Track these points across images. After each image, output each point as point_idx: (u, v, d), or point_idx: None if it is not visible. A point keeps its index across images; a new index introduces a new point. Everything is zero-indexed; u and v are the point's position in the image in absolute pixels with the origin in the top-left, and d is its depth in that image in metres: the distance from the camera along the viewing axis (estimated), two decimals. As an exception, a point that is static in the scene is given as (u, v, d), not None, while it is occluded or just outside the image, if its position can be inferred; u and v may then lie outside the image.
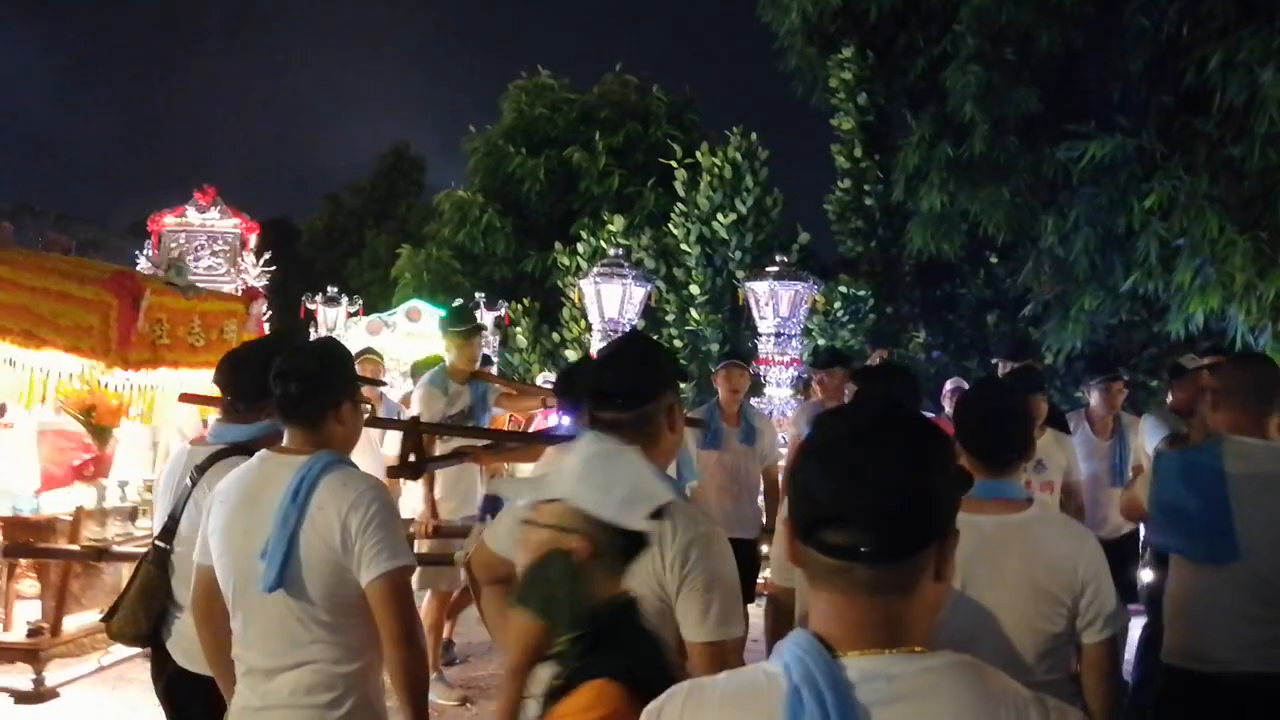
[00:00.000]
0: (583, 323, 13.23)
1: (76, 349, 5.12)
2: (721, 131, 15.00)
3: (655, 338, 14.30)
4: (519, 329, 16.21)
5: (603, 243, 15.27)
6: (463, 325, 5.89)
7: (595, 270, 10.97)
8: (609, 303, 10.67)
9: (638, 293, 10.78)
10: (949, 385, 8.32)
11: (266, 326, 8.15)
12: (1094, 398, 6.83)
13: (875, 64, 12.94)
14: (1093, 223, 10.01)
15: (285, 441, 2.64)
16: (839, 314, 13.12)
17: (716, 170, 14.29)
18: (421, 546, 5.39)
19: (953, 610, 2.40)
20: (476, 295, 14.28)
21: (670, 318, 14.50)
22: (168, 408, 5.69)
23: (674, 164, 15.12)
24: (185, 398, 4.91)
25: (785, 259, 11.35)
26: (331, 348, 2.94)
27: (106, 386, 5.42)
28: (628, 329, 10.69)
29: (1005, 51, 10.20)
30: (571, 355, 14.54)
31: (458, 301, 11.91)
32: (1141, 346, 11.85)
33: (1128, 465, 6.71)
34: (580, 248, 16.22)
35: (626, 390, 2.36)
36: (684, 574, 2.18)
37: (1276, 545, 2.96)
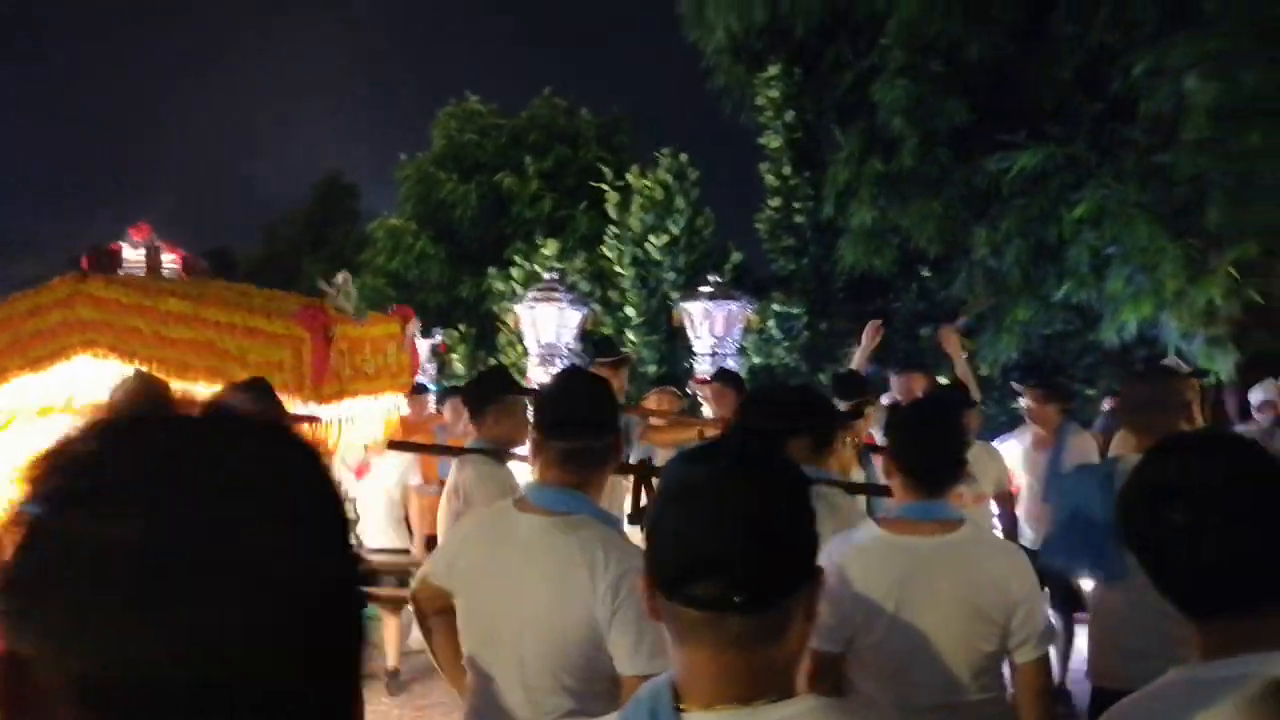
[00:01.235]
0: (519, 347, 13.07)
1: None
2: (651, 153, 14.94)
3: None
4: (455, 355, 16.00)
5: (537, 267, 15.13)
6: (609, 357, 5.80)
7: (530, 294, 10.86)
8: (545, 327, 10.58)
9: (573, 316, 10.68)
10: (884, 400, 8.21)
11: (419, 345, 7.96)
12: (1028, 412, 6.77)
13: (802, 80, 12.89)
14: (1024, 233, 10.04)
15: None
16: (773, 332, 13.06)
17: (647, 192, 14.22)
18: None
19: (888, 631, 2.53)
20: (409, 323, 14.03)
21: (606, 340, 14.37)
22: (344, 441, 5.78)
23: (605, 186, 15.02)
24: (395, 445, 5.27)
25: (719, 279, 11.27)
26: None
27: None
28: (565, 353, 10.60)
29: (934, 63, 10.21)
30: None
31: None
32: (1077, 356, 11.89)
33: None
34: (514, 272, 16.09)
35: (594, 420, 2.42)
36: (615, 606, 2.22)
37: None
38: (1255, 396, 7.33)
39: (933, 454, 2.66)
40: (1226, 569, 1.45)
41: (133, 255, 12.88)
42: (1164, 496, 1.48)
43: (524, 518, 2.39)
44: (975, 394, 6.07)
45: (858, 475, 4.82)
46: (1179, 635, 2.72)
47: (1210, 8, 8.37)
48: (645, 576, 1.21)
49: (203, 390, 4.96)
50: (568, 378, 2.80)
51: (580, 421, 2.41)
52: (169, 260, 13.11)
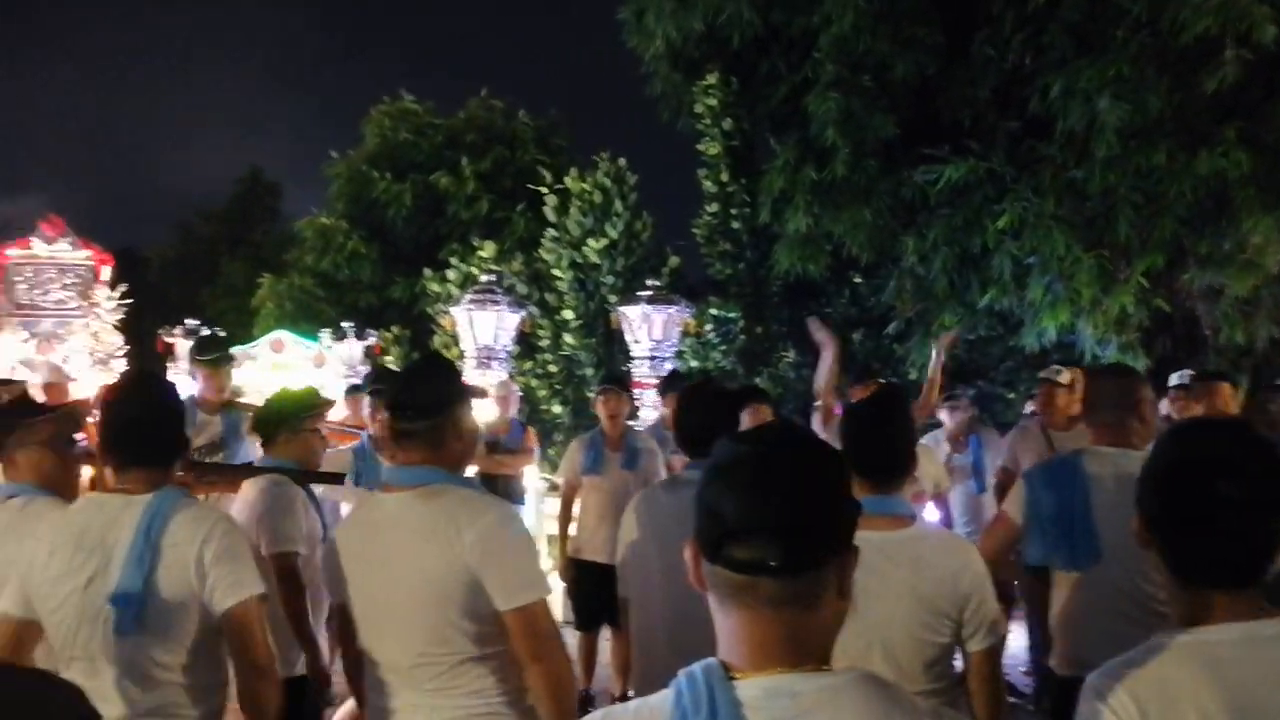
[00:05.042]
0: (455, 350, 13.13)
1: None
2: (590, 156, 15.07)
3: (530, 364, 14.27)
4: (389, 357, 15.97)
5: (473, 268, 15.17)
6: (207, 354, 5.84)
7: (468, 297, 10.88)
8: (482, 330, 10.59)
9: (511, 319, 10.73)
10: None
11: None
12: (944, 416, 7.20)
13: (739, 90, 13.15)
14: (950, 242, 10.38)
15: (122, 483, 2.61)
16: (710, 336, 13.28)
17: (586, 195, 14.34)
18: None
19: (845, 625, 2.60)
20: (343, 324, 14.03)
21: (544, 343, 14.48)
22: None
23: (543, 189, 15.10)
24: None
25: (656, 283, 11.47)
26: (167, 389, 2.86)
27: None
28: (502, 356, 10.67)
29: (863, 79, 10.52)
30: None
31: (204, 331, 11.55)
32: (999, 360, 12.32)
33: (987, 471, 7.04)
34: (450, 273, 16.07)
35: (416, 404, 2.63)
36: (484, 554, 2.45)
37: (1134, 549, 3.07)
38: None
39: (882, 451, 2.73)
40: (1264, 543, 1.63)
41: (45, 251, 12.74)
42: (1220, 471, 1.61)
43: (389, 497, 2.61)
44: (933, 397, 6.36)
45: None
46: (1138, 618, 2.98)
47: (1119, 34, 8.81)
48: (690, 544, 1.32)
49: None
50: (412, 365, 2.99)
51: (404, 406, 2.64)
52: (84, 256, 12.96)
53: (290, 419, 4.19)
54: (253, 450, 4.96)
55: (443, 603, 2.46)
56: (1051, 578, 3.46)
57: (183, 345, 12.64)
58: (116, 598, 2.42)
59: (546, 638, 2.50)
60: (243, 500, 3.85)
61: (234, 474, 4.10)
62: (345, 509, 4.97)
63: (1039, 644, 6.61)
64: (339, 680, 6.06)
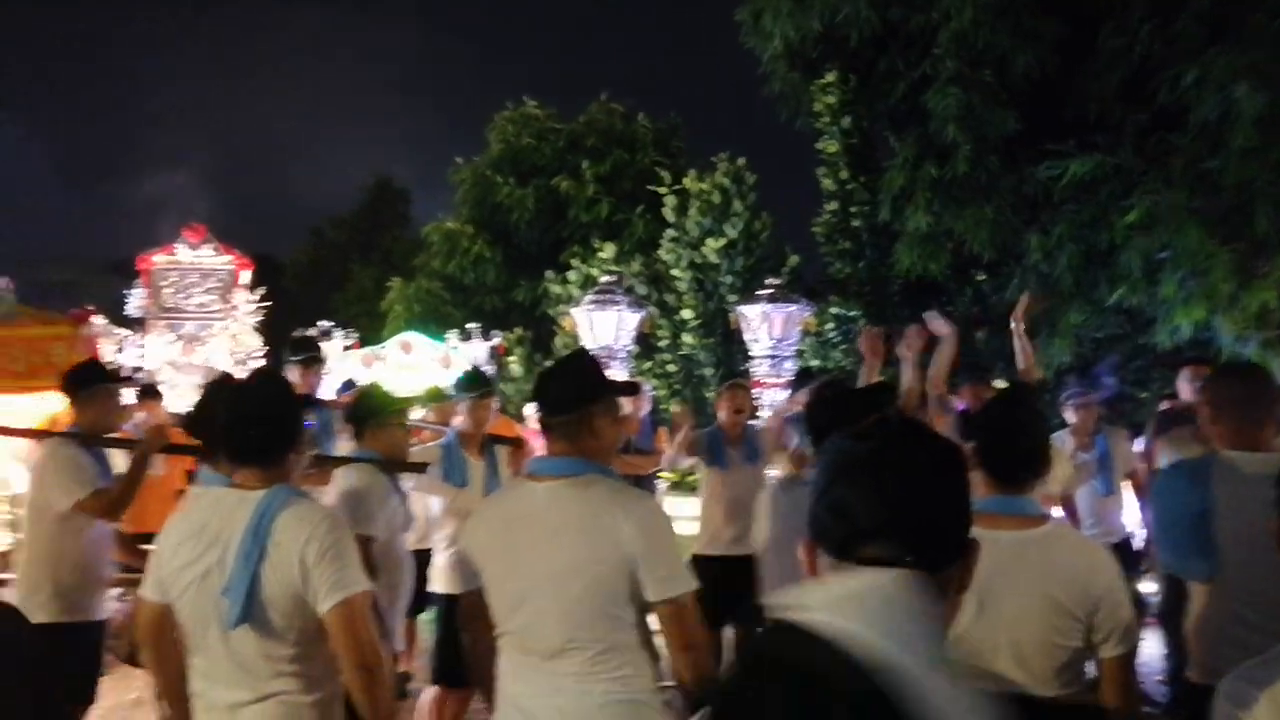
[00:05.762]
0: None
1: None
2: (708, 157, 15.14)
3: (649, 364, 14.41)
4: (513, 358, 16.30)
5: (594, 270, 15.38)
6: (298, 355, 6.11)
7: (588, 298, 11.05)
8: (603, 330, 10.72)
9: (631, 319, 10.85)
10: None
11: (100, 347, 7.85)
12: (1070, 415, 7.03)
13: (858, 88, 13.08)
14: (1075, 239, 10.18)
15: (238, 479, 2.70)
16: (830, 335, 13.23)
17: (705, 196, 14.43)
18: None
19: (972, 625, 2.54)
20: (469, 326, 14.40)
21: (664, 343, 14.61)
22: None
23: (662, 190, 15.23)
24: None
25: (776, 282, 11.48)
26: (281, 389, 2.94)
27: None
28: (622, 356, 10.80)
29: (984, 74, 10.40)
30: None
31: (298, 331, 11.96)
32: (1128, 359, 12.00)
33: (1114, 474, 6.86)
34: (571, 276, 16.32)
35: (563, 398, 2.71)
36: (646, 544, 2.52)
37: (1262, 554, 2.86)
38: None
39: (1015, 450, 2.67)
40: None
41: (189, 257, 13.35)
42: None
43: (539, 486, 2.65)
44: (1031, 367, 6.03)
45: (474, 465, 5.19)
46: (1271, 626, 2.92)
47: (1256, 20, 8.52)
48: (808, 542, 1.31)
49: None
50: (558, 361, 3.05)
51: (553, 401, 2.71)
52: (225, 262, 13.53)
53: (378, 413, 4.42)
54: (343, 446, 5.18)
55: (596, 589, 2.52)
56: (1187, 584, 3.39)
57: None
58: (226, 592, 2.52)
59: (696, 627, 2.57)
60: (330, 487, 4.11)
61: (327, 465, 4.30)
62: (435, 502, 5.23)
63: (1175, 652, 6.43)
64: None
